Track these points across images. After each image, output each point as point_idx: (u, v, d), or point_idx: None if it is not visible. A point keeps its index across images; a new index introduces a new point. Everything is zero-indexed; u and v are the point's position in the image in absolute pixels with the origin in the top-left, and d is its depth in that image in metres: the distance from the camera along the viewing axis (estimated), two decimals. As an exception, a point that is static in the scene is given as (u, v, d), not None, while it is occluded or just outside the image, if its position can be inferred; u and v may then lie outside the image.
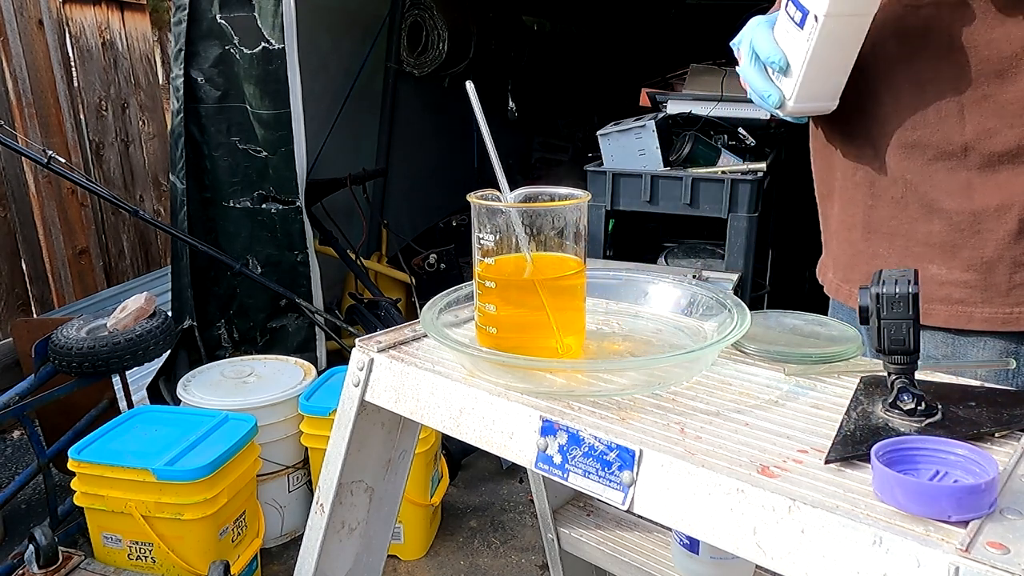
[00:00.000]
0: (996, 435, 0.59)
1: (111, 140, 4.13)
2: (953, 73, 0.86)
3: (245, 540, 2.01)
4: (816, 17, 0.83)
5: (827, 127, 1.03)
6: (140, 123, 4.33)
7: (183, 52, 2.66)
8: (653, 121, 2.66)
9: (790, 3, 0.86)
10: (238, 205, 2.80)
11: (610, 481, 0.60)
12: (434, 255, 3.48)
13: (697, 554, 0.96)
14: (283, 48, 2.57)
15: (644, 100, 3.41)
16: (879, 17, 0.86)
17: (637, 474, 0.59)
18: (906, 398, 0.59)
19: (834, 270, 1.07)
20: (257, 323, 2.90)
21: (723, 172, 2.55)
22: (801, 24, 0.85)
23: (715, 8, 4.58)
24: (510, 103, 5.46)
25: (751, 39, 0.93)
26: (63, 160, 2.49)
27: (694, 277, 2.07)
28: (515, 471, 2.66)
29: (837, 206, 1.04)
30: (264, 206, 2.79)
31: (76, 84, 3.87)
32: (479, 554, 2.27)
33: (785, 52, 0.89)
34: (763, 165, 2.58)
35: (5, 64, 3.40)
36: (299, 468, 2.30)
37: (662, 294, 0.86)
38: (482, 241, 0.73)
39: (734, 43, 1.00)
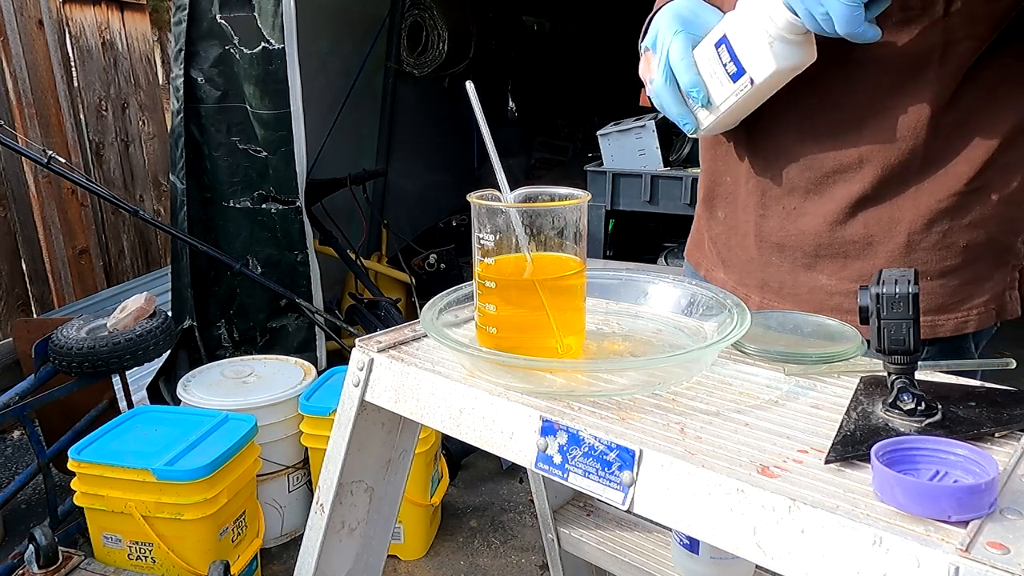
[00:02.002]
0: (996, 435, 0.59)
1: (111, 140, 4.13)
2: (850, 88, 0.86)
3: (245, 540, 2.01)
4: (752, 81, 0.81)
5: (718, 136, 1.01)
6: (140, 123, 4.33)
7: (183, 52, 2.66)
8: (653, 121, 2.66)
9: (723, 48, 0.83)
10: (238, 205, 2.80)
11: (610, 481, 0.60)
12: (434, 255, 3.48)
13: (697, 554, 0.96)
14: (283, 48, 2.57)
15: (644, 100, 3.40)
16: None
17: (637, 474, 0.59)
18: (906, 398, 0.59)
19: (725, 271, 1.06)
20: (257, 323, 2.90)
21: (723, 172, 2.54)
22: (734, 78, 0.83)
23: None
24: (510, 103, 5.46)
25: (667, 54, 0.87)
26: (63, 160, 2.49)
27: (694, 277, 2.07)
28: (515, 471, 2.66)
29: (721, 211, 1.03)
30: (264, 206, 2.79)
31: (76, 84, 3.87)
32: (479, 554, 2.27)
33: (707, 86, 0.85)
34: (763, 165, 2.57)
35: (5, 64, 3.40)
36: (299, 468, 2.30)
37: (662, 294, 0.85)
38: (482, 241, 0.73)
39: (646, 44, 0.93)
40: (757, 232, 0.98)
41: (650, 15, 0.95)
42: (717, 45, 0.83)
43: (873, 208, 0.89)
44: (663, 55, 0.87)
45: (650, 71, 0.90)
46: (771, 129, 0.93)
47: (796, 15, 0.76)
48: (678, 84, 0.87)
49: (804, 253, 0.94)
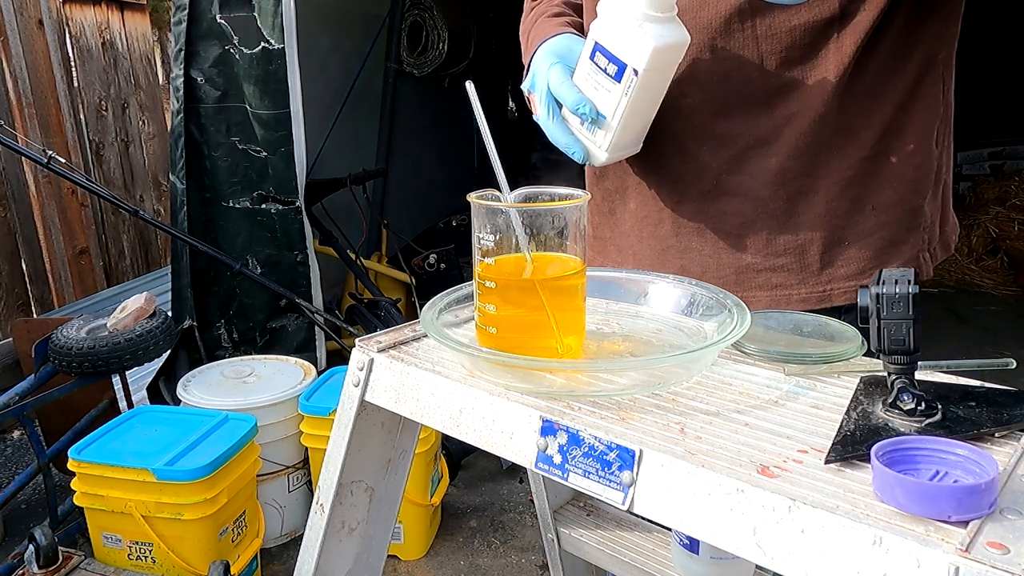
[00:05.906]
0: (996, 435, 0.59)
1: (111, 140, 4.13)
2: (759, 64, 0.87)
3: (245, 540, 2.01)
4: (636, 71, 0.80)
5: None
6: (140, 123, 4.33)
7: (183, 52, 2.66)
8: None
9: (599, 54, 0.82)
10: (238, 205, 2.80)
11: (610, 481, 0.60)
12: (434, 255, 3.48)
13: (697, 554, 0.96)
14: (283, 48, 2.58)
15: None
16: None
17: (637, 474, 0.59)
18: (906, 398, 0.59)
19: (636, 263, 1.05)
20: (257, 323, 2.91)
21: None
22: (617, 77, 0.81)
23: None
24: (510, 103, 5.46)
25: (547, 85, 0.87)
26: (63, 160, 2.49)
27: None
28: (515, 471, 2.66)
29: (634, 202, 1.02)
30: (264, 206, 2.79)
31: (76, 84, 3.87)
32: (479, 554, 2.27)
33: (594, 102, 0.84)
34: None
35: (5, 64, 3.40)
36: (299, 468, 2.30)
37: (662, 294, 0.85)
38: (482, 241, 0.73)
39: (525, 86, 0.93)
40: (674, 219, 0.97)
41: (528, 60, 0.95)
42: (592, 56, 0.83)
43: (792, 180, 0.90)
44: (543, 87, 0.87)
45: (535, 109, 0.91)
46: (681, 112, 0.92)
47: None
48: (562, 113, 0.88)
49: (726, 234, 0.94)
